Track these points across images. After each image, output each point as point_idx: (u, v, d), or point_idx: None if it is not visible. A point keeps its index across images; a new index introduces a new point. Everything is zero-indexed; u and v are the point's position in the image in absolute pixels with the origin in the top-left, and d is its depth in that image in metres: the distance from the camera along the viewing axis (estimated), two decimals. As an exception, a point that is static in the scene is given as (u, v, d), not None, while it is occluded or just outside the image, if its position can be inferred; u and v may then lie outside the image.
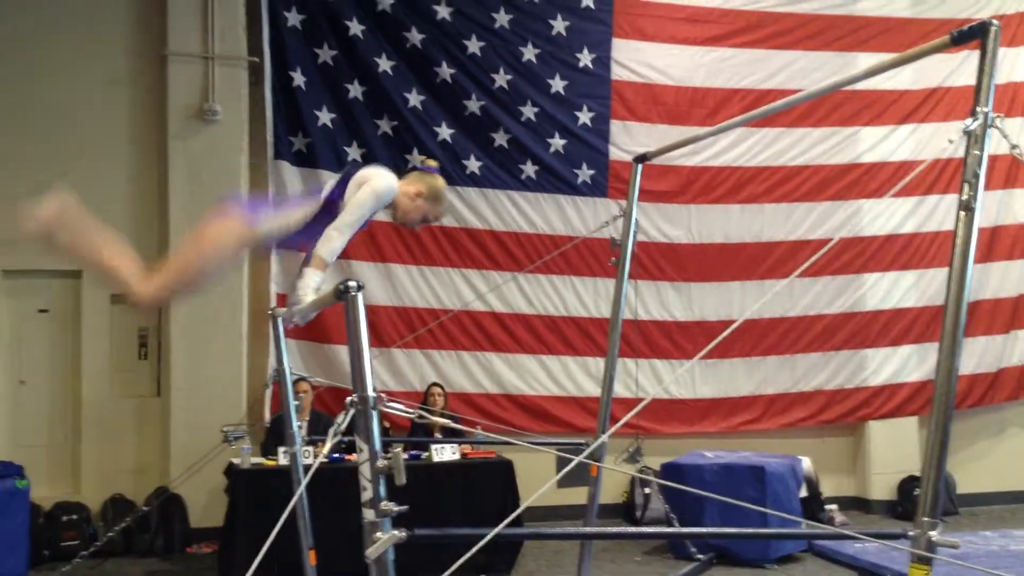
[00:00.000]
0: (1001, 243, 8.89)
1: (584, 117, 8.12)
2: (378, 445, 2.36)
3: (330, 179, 3.53)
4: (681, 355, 8.20)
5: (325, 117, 7.51)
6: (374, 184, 3.32)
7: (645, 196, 8.07)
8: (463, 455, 6.28)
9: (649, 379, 7.97)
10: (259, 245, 3.53)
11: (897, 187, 3.46)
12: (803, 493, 7.16)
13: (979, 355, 8.69)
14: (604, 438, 4.25)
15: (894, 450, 8.43)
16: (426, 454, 6.17)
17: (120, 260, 3.15)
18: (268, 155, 7.35)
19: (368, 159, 7.58)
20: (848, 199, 8.48)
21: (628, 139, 8.15)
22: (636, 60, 8.21)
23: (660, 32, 8.23)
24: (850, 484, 8.66)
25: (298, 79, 7.39)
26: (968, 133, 2.93)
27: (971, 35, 3.09)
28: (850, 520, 7.90)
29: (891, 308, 8.51)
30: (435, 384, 7.43)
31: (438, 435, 6.79)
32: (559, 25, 8.02)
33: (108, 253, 3.14)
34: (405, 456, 6.00)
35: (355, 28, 7.51)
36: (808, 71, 8.41)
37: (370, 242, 7.57)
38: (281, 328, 4.41)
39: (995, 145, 8.79)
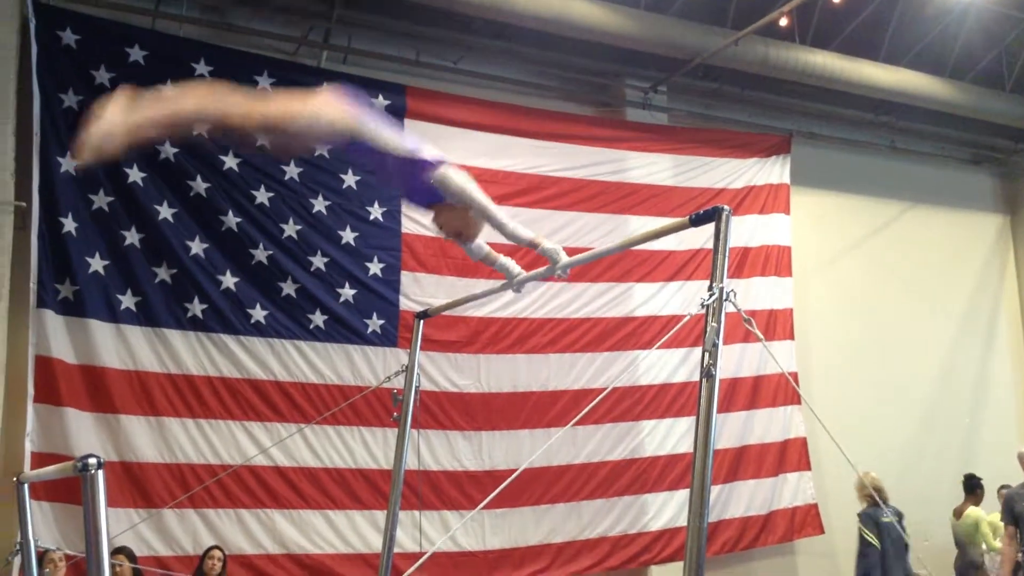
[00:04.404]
0: (765, 391, 9.61)
1: (375, 268, 8.20)
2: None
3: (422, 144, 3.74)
4: (471, 505, 8.15)
5: (97, 264, 7.17)
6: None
7: (435, 346, 8.22)
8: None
9: (439, 531, 7.83)
10: (353, 140, 3.56)
11: (663, 340, 3.73)
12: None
13: (748, 498, 9.22)
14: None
15: (675, 595, 8.67)
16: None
17: None
18: (31, 303, 6.88)
19: (144, 307, 7.29)
20: (625, 350, 8.95)
21: (419, 290, 8.28)
22: (425, 215, 8.44)
23: (448, 190, 8.54)
24: (636, 630, 8.78)
25: (69, 225, 7.05)
26: (706, 307, 3.22)
27: (707, 218, 3.43)
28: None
29: (667, 454, 8.92)
30: (215, 547, 6.97)
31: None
32: (349, 179, 8.17)
33: None
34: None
35: (134, 175, 7.31)
36: (586, 230, 8.97)
37: (142, 394, 7.15)
38: (27, 494, 4.05)
39: (752, 301, 9.57)
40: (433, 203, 3.90)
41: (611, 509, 8.72)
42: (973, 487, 8.86)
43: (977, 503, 8.84)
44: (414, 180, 3.73)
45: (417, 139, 3.88)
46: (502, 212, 3.85)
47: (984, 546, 8.63)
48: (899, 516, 7.94)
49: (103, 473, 2.24)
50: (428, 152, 3.74)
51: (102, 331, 7.12)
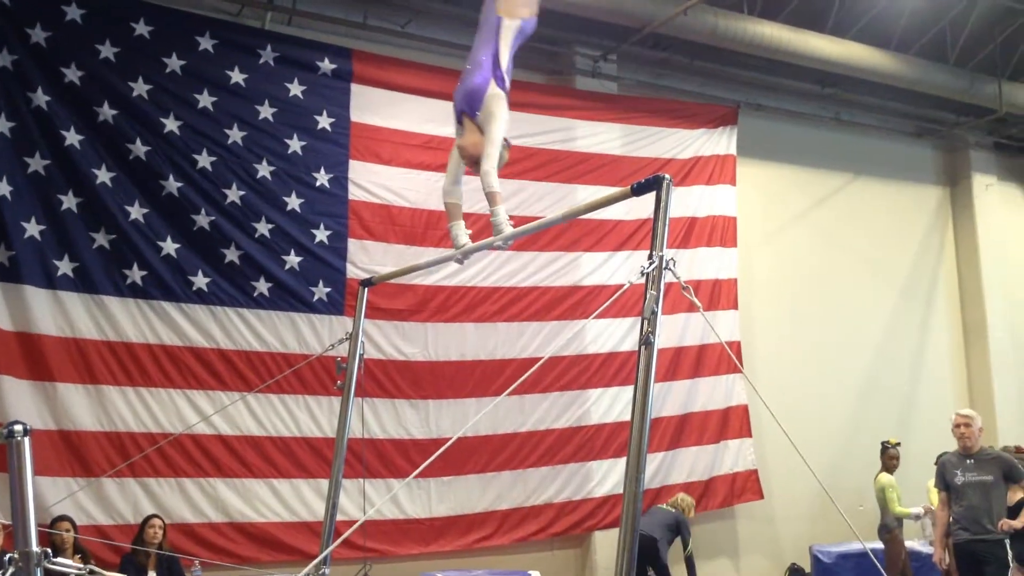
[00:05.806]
0: (708, 360, 9.74)
1: (321, 235, 8.10)
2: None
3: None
4: (418, 474, 8.15)
5: (33, 229, 6.98)
6: (501, 123, 4.30)
7: (382, 314, 8.17)
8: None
9: (385, 499, 7.85)
10: None
11: (601, 308, 3.77)
12: (532, 608, 7.31)
13: (691, 464, 9.37)
14: (312, 567, 4.09)
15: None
16: (134, 596, 5.67)
17: None
18: (-37, 269, 6.70)
19: (81, 274, 7.13)
20: (573, 319, 8.99)
21: (366, 258, 8.21)
22: (373, 182, 8.35)
23: (395, 157, 8.47)
24: (578, 595, 8.92)
25: (3, 189, 6.83)
26: (646, 275, 3.25)
27: (649, 187, 3.46)
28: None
29: (613, 422, 9.02)
30: (154, 516, 6.89)
31: (152, 573, 6.27)
32: (295, 144, 8.03)
33: None
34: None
35: (71, 138, 7.11)
36: (534, 199, 8.95)
37: (80, 362, 7.02)
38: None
39: (698, 271, 9.64)
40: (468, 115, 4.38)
41: (556, 476, 8.80)
42: (880, 453, 9.12)
43: (886, 469, 9.06)
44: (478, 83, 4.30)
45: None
46: (495, 161, 4.34)
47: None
48: (676, 520, 8.38)
49: (29, 440, 2.20)
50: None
51: (38, 297, 6.96)
